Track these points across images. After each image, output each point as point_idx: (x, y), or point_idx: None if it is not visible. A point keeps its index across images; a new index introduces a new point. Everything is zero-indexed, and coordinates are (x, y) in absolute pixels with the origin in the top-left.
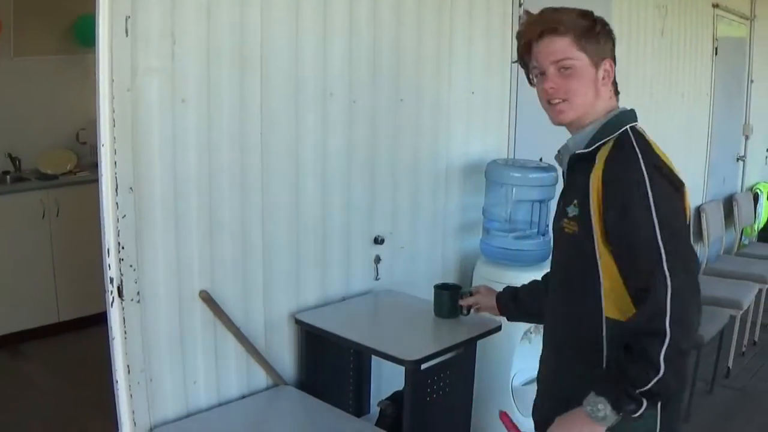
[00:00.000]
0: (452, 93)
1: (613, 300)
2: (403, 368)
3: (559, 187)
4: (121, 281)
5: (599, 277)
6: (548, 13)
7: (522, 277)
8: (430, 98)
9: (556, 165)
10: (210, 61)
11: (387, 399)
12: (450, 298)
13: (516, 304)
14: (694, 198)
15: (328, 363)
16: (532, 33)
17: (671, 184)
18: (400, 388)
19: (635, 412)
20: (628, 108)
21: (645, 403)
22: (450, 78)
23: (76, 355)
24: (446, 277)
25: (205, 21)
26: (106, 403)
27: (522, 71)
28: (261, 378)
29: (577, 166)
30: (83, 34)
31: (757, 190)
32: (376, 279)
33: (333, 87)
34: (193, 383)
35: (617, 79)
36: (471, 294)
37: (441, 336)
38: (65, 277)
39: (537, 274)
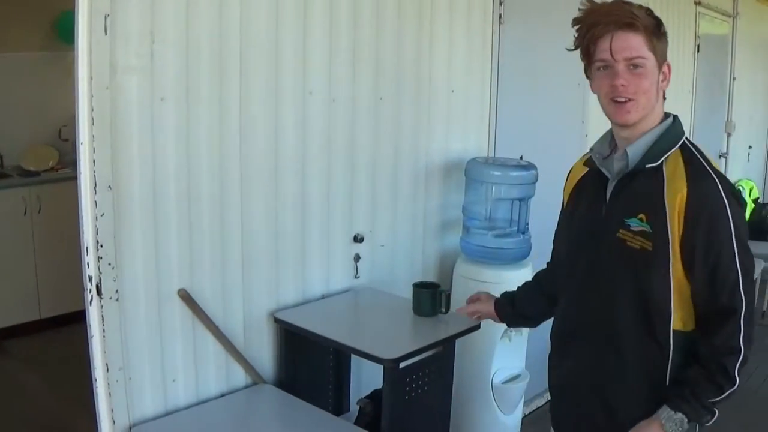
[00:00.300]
0: (432, 91)
1: (681, 314)
2: (382, 366)
3: (542, 185)
4: (100, 279)
5: (670, 291)
6: (620, 5)
7: (502, 276)
8: (410, 97)
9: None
10: (189, 60)
11: (366, 397)
12: (429, 297)
13: (514, 309)
14: None
15: (307, 361)
16: (607, 25)
17: (739, 204)
18: (380, 386)
19: (710, 422)
20: (675, 115)
21: (717, 412)
22: (430, 76)
23: (58, 352)
24: (426, 275)
25: (183, 20)
26: (87, 401)
27: (507, 71)
28: (240, 376)
29: (638, 175)
30: (65, 31)
31: (740, 187)
32: (356, 277)
33: (312, 86)
34: (172, 381)
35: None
36: (449, 294)
37: (420, 334)
38: (47, 274)
39: (517, 272)
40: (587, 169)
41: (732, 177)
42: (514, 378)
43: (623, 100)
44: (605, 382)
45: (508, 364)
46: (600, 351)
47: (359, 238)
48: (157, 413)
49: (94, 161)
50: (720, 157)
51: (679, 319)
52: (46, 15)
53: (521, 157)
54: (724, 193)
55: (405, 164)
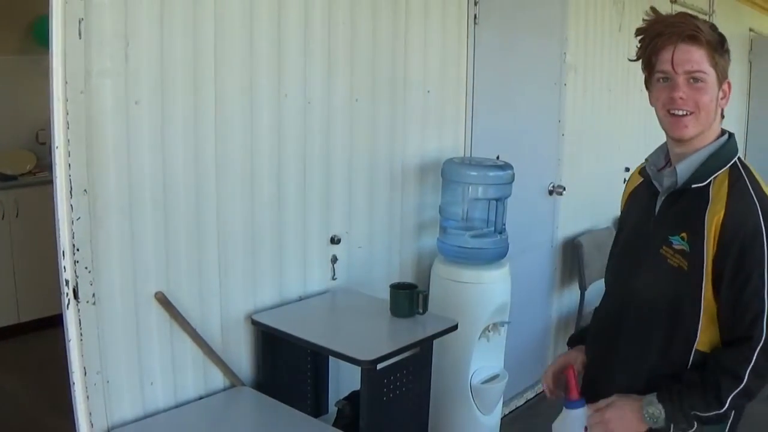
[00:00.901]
0: (408, 92)
1: (707, 336)
2: (360, 368)
3: (518, 184)
4: (77, 283)
5: (700, 313)
6: (685, 17)
7: (479, 276)
8: (385, 98)
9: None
10: (163, 63)
11: (344, 399)
12: (407, 298)
13: None
14: None
15: (285, 363)
16: (670, 36)
17: None
18: (359, 387)
19: (685, 431)
20: (730, 133)
21: (696, 427)
22: (405, 77)
23: (36, 356)
24: (403, 276)
25: (158, 23)
26: (66, 405)
27: (483, 71)
28: (218, 379)
29: (686, 193)
30: (42, 35)
31: None
32: (333, 279)
33: (287, 88)
34: (150, 384)
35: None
36: (426, 295)
37: (397, 335)
38: (25, 278)
39: (494, 272)
40: (642, 178)
41: None
42: (492, 378)
43: (681, 113)
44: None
45: (487, 364)
46: (629, 363)
47: (336, 239)
48: (135, 416)
49: (69, 165)
50: None
51: (706, 340)
52: (23, 19)
53: (498, 157)
54: (764, 218)
55: (381, 165)
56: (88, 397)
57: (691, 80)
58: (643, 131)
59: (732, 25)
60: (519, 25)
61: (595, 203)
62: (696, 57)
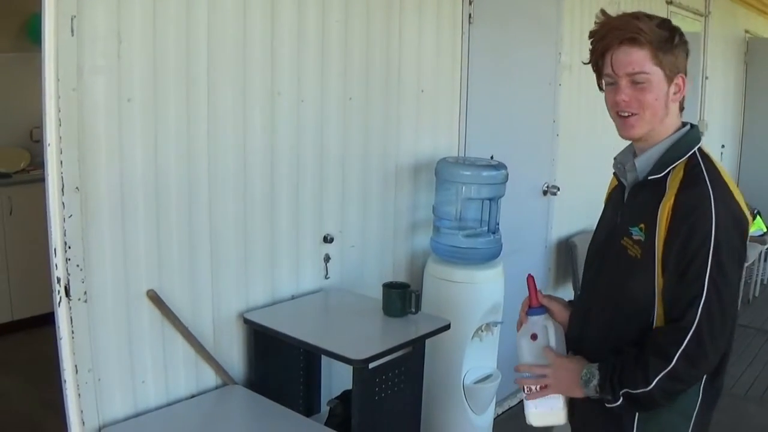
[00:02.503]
0: (402, 91)
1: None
2: (352, 367)
3: (512, 184)
4: (68, 281)
5: (655, 302)
6: (628, 19)
7: (473, 276)
8: (379, 97)
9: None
10: (156, 61)
11: (336, 398)
12: (399, 297)
13: None
14: None
15: (277, 362)
16: (611, 40)
17: (736, 224)
18: (351, 387)
19: (610, 404)
20: (692, 124)
21: (621, 403)
22: (399, 76)
23: (30, 354)
24: (397, 275)
25: (151, 20)
26: (58, 403)
27: (477, 70)
28: (210, 377)
29: (646, 186)
30: (35, 33)
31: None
32: (326, 278)
33: (280, 86)
34: (142, 383)
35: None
36: (419, 294)
37: (390, 335)
38: (19, 276)
39: (488, 272)
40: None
41: None
42: (485, 378)
43: (626, 114)
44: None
45: (480, 364)
46: (595, 350)
47: (329, 238)
48: (126, 414)
49: (61, 162)
50: None
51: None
52: (17, 17)
53: (492, 157)
54: (715, 205)
55: (375, 164)
56: (79, 395)
57: (634, 82)
58: None
59: (728, 27)
60: (514, 24)
61: (590, 204)
62: (636, 58)
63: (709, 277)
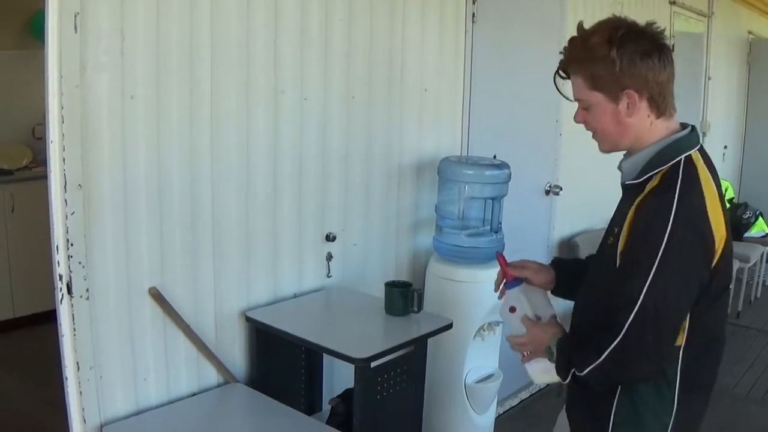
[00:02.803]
0: (405, 90)
1: None
2: (353, 366)
3: (514, 184)
4: (70, 278)
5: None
6: (568, 47)
7: (475, 275)
8: (382, 95)
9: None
10: (159, 58)
11: (338, 397)
12: (401, 296)
13: (577, 282)
14: None
15: (279, 360)
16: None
17: (696, 239)
18: (352, 385)
19: (564, 379)
20: (688, 130)
21: (570, 381)
22: (402, 75)
23: (31, 351)
24: (399, 274)
25: (154, 17)
26: (59, 400)
27: (480, 70)
28: (212, 375)
29: (628, 190)
30: (39, 30)
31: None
32: (328, 276)
33: (284, 84)
34: (143, 380)
35: None
36: (421, 293)
37: (392, 334)
38: (20, 273)
39: (490, 272)
40: None
41: None
42: (487, 377)
43: (591, 133)
44: None
45: (481, 363)
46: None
47: (331, 237)
48: (128, 412)
49: (64, 159)
50: None
51: None
52: (21, 14)
53: (494, 156)
54: (674, 218)
55: (377, 163)
56: (81, 393)
57: (582, 107)
58: None
59: (731, 28)
60: (517, 23)
61: (592, 204)
62: (576, 86)
63: (648, 287)
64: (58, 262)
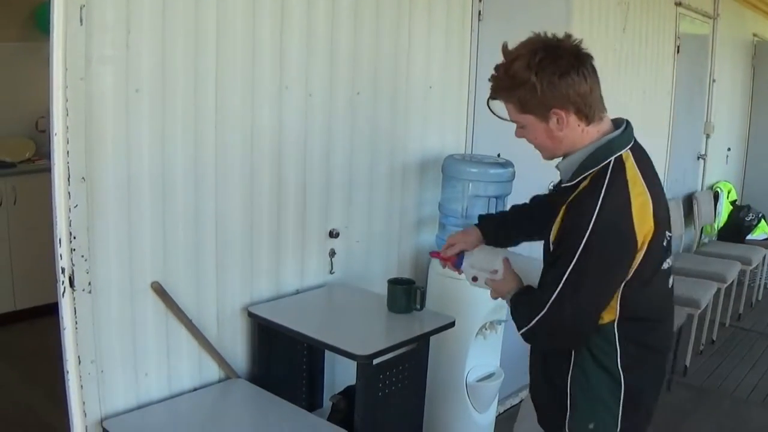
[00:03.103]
0: (410, 87)
1: None
2: (355, 363)
3: (518, 182)
4: (73, 271)
5: None
6: (493, 76)
7: None
8: (387, 92)
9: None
10: (165, 52)
11: (339, 393)
12: (404, 293)
13: (506, 232)
14: None
15: (281, 356)
16: None
17: (617, 239)
18: (354, 382)
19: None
20: (621, 129)
21: (521, 332)
22: (408, 72)
23: (32, 344)
24: (401, 272)
25: (160, 11)
26: (60, 393)
27: (486, 68)
28: (213, 371)
29: (563, 189)
30: (44, 22)
31: (717, 189)
32: (331, 273)
33: (289, 80)
34: (145, 375)
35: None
36: (423, 291)
37: (394, 331)
38: (22, 266)
39: None
40: None
41: (710, 179)
42: (488, 376)
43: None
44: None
45: (483, 362)
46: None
47: (335, 233)
48: (129, 407)
49: (68, 152)
50: (698, 158)
51: None
52: (25, 6)
53: (498, 155)
54: (596, 218)
55: (381, 160)
56: (81, 387)
57: (518, 126)
58: (645, 133)
59: (736, 30)
60: (523, 22)
61: None
62: (508, 111)
63: (568, 276)
64: (61, 255)
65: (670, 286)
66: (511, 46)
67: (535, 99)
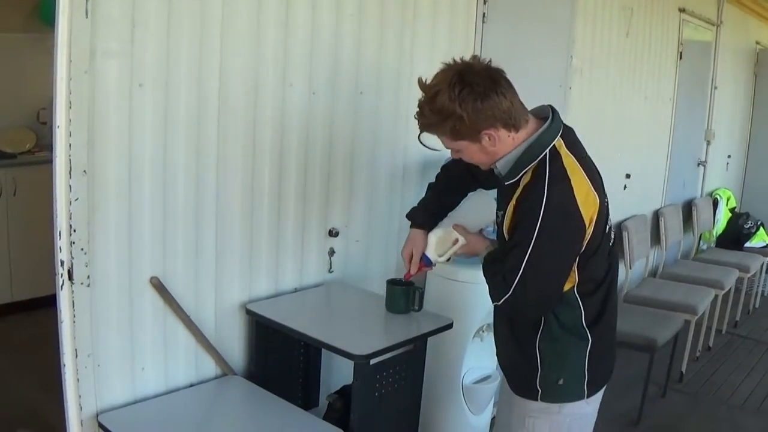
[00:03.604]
0: (413, 87)
1: None
2: (352, 362)
3: None
4: (72, 264)
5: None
6: (419, 114)
7: (477, 275)
8: (390, 92)
9: None
10: (169, 47)
11: (336, 393)
12: (403, 294)
13: (436, 215)
14: (652, 202)
15: (278, 354)
16: None
17: (565, 219)
18: (350, 382)
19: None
20: (549, 120)
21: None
22: (411, 73)
23: (29, 336)
24: (400, 272)
25: (166, 6)
26: (55, 386)
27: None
28: (210, 367)
29: (507, 186)
30: (47, 14)
31: (717, 196)
32: (330, 271)
33: (293, 77)
34: (141, 370)
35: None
36: (422, 292)
37: (392, 331)
38: (20, 257)
39: None
40: None
41: (709, 185)
42: (484, 378)
43: None
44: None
45: (479, 364)
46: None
47: (334, 232)
48: (125, 401)
49: (70, 145)
50: (698, 165)
51: None
52: None
53: None
54: (546, 204)
55: (383, 160)
56: (78, 380)
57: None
58: (645, 138)
59: (739, 38)
60: (527, 25)
61: None
62: (442, 141)
63: (527, 260)
64: (60, 248)
65: (611, 243)
66: (522, 47)
67: (465, 127)
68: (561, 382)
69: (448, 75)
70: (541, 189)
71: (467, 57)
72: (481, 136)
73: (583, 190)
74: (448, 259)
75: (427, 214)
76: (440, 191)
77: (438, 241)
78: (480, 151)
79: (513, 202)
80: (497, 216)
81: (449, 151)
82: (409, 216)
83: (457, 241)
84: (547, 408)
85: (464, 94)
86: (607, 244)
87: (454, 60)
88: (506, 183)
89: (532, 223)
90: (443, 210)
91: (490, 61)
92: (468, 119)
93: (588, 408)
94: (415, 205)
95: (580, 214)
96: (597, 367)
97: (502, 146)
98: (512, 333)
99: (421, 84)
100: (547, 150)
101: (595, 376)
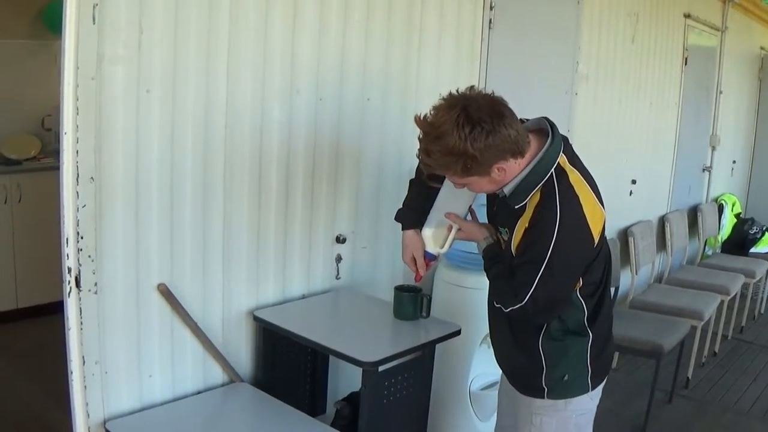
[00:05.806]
0: (419, 94)
1: None
2: (360, 369)
3: None
4: (79, 271)
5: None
6: (426, 159)
7: (484, 282)
8: (396, 98)
9: None
10: (177, 53)
11: (343, 399)
12: (411, 301)
13: (424, 214)
14: (658, 207)
15: (285, 361)
16: None
17: (577, 242)
18: (358, 388)
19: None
20: (549, 138)
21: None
22: (418, 78)
23: (34, 343)
24: (407, 278)
25: (173, 12)
26: (62, 393)
27: (495, 75)
28: (217, 374)
29: (511, 201)
30: (52, 21)
31: (722, 202)
32: (337, 278)
33: (300, 84)
34: (149, 377)
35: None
36: (430, 299)
37: (400, 338)
38: (25, 264)
39: None
40: None
41: (715, 191)
42: (491, 385)
43: None
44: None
45: (487, 370)
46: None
47: (341, 239)
48: (132, 408)
49: (77, 152)
50: (704, 170)
51: None
52: (33, 3)
53: None
54: (559, 227)
55: (390, 166)
56: (85, 387)
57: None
58: (652, 144)
59: (744, 43)
60: (533, 32)
61: None
62: (451, 178)
63: (541, 276)
64: (68, 255)
65: (606, 244)
66: (527, 53)
67: (477, 164)
68: (566, 378)
69: (453, 113)
70: (554, 210)
71: (462, 88)
72: (491, 170)
73: (590, 205)
74: (450, 245)
75: (413, 214)
76: (419, 185)
77: (433, 235)
78: (489, 183)
79: (526, 224)
80: (500, 232)
81: None
82: (397, 219)
83: (451, 227)
84: (554, 404)
85: (474, 133)
86: (607, 247)
87: (451, 93)
88: (515, 207)
89: (545, 244)
90: (427, 204)
91: (492, 92)
92: (481, 157)
93: (591, 404)
94: (400, 207)
95: (590, 231)
96: (598, 360)
97: (510, 173)
98: (511, 332)
99: (421, 122)
100: (553, 169)
101: (597, 369)
